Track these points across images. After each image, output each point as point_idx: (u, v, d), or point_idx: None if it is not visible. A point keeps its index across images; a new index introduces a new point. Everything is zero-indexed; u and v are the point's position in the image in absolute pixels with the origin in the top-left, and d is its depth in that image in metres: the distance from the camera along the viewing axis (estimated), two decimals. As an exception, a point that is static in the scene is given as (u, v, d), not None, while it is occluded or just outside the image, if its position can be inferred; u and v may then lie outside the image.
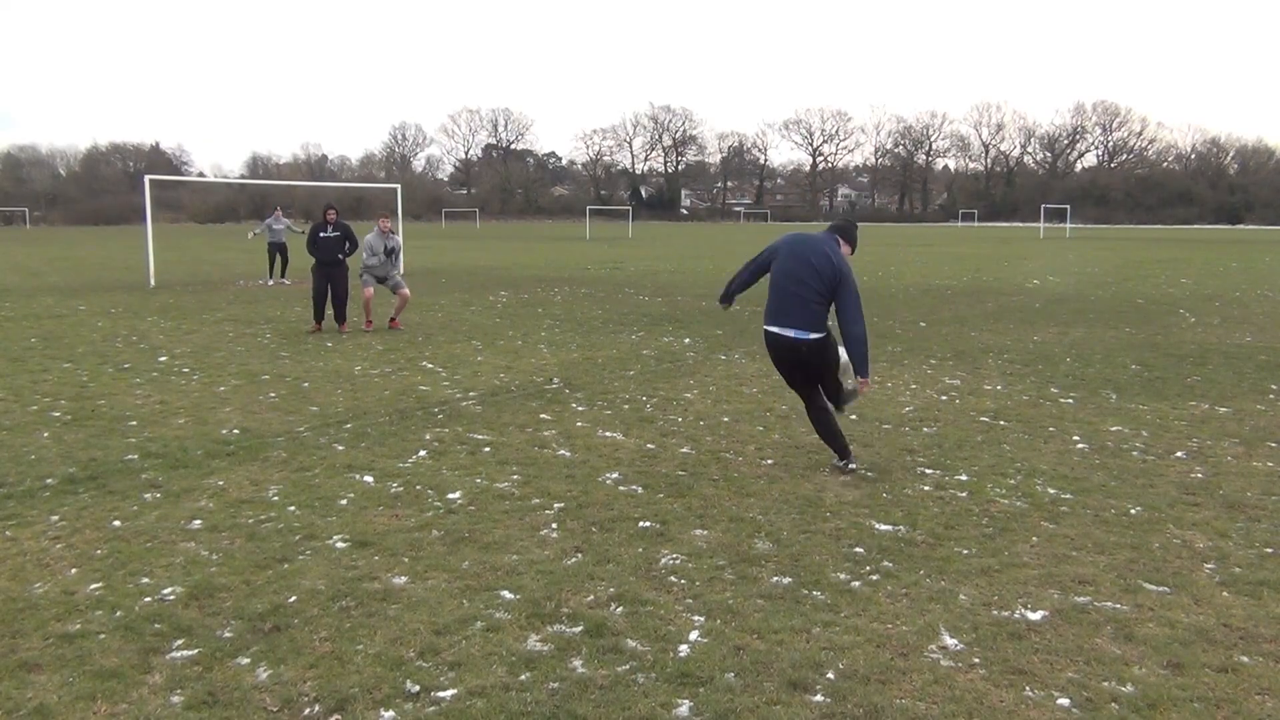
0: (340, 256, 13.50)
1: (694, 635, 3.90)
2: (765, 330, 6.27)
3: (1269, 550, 4.90)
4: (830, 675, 3.57)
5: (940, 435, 7.30)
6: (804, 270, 6.05)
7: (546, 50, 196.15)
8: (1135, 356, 11.19)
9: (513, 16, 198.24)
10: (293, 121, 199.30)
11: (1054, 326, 14.10)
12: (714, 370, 10.21)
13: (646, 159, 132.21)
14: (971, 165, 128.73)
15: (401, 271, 14.82)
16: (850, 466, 6.23)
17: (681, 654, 3.74)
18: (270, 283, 22.02)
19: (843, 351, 6.26)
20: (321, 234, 13.49)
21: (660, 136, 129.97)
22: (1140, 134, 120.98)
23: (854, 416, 7.89)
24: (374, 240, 13.54)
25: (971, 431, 7.43)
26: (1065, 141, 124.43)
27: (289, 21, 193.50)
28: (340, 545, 4.92)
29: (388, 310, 14.14)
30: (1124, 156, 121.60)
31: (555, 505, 5.57)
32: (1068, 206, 77.49)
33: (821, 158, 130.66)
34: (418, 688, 3.48)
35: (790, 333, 6.06)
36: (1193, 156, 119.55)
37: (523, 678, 3.55)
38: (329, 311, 13.47)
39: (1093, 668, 3.65)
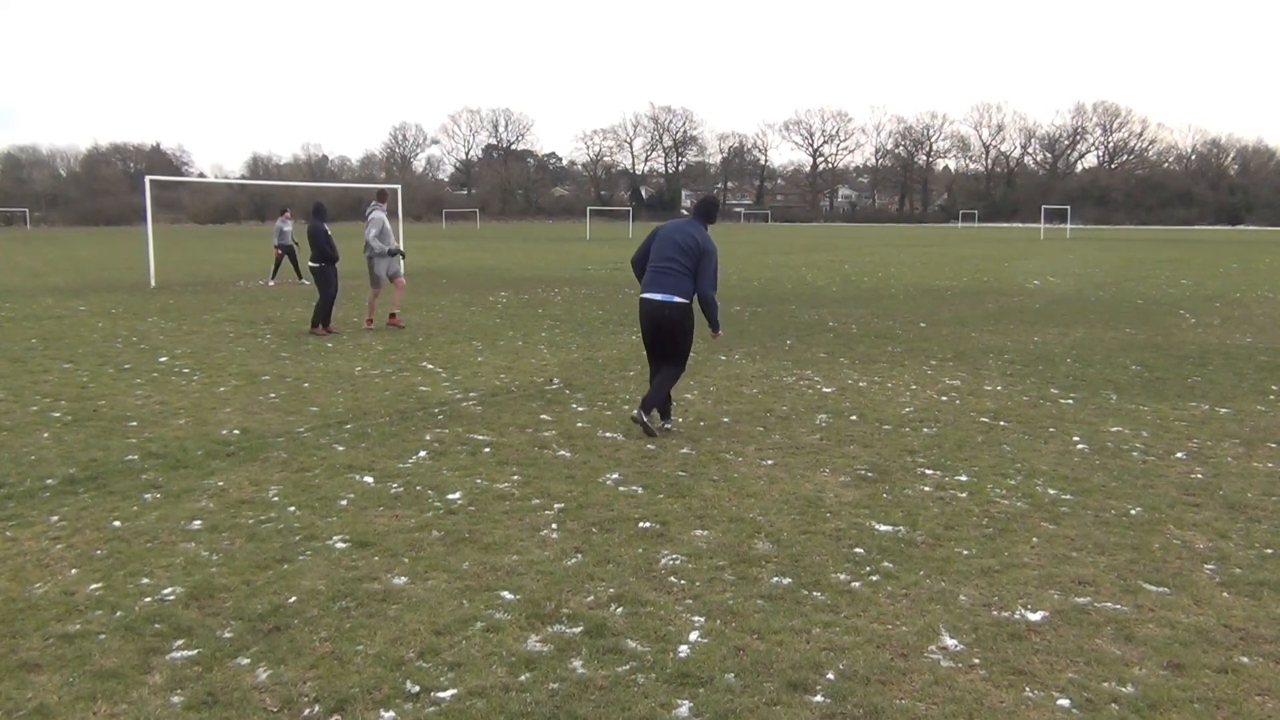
0: (330, 255, 13.38)
1: (694, 635, 3.90)
2: (640, 299, 7.29)
3: (1269, 551, 4.90)
4: (830, 675, 3.57)
5: (940, 436, 7.30)
6: (672, 249, 7.17)
7: (546, 50, 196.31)
8: (1135, 357, 11.19)
9: (513, 16, 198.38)
10: (293, 121, 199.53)
11: (1054, 327, 14.10)
12: (714, 370, 10.21)
13: (647, 159, 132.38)
14: (972, 166, 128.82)
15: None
16: (666, 427, 7.37)
17: (681, 654, 3.74)
18: (271, 283, 22.05)
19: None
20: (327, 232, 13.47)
21: (660, 137, 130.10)
22: (1140, 135, 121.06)
23: (854, 417, 7.90)
24: (383, 217, 13.42)
25: (972, 432, 7.43)
26: (1065, 142, 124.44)
27: (289, 22, 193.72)
28: (340, 545, 4.92)
29: (386, 309, 14.13)
30: (1124, 157, 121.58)
31: (555, 505, 5.57)
32: (1068, 207, 77.52)
33: (822, 158, 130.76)
34: (418, 688, 3.48)
35: (658, 296, 7.13)
36: (1193, 157, 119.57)
37: (523, 678, 3.55)
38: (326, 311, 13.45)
39: (1093, 668, 3.65)
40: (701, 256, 7.12)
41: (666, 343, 7.29)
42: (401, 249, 13.68)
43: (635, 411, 7.15)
